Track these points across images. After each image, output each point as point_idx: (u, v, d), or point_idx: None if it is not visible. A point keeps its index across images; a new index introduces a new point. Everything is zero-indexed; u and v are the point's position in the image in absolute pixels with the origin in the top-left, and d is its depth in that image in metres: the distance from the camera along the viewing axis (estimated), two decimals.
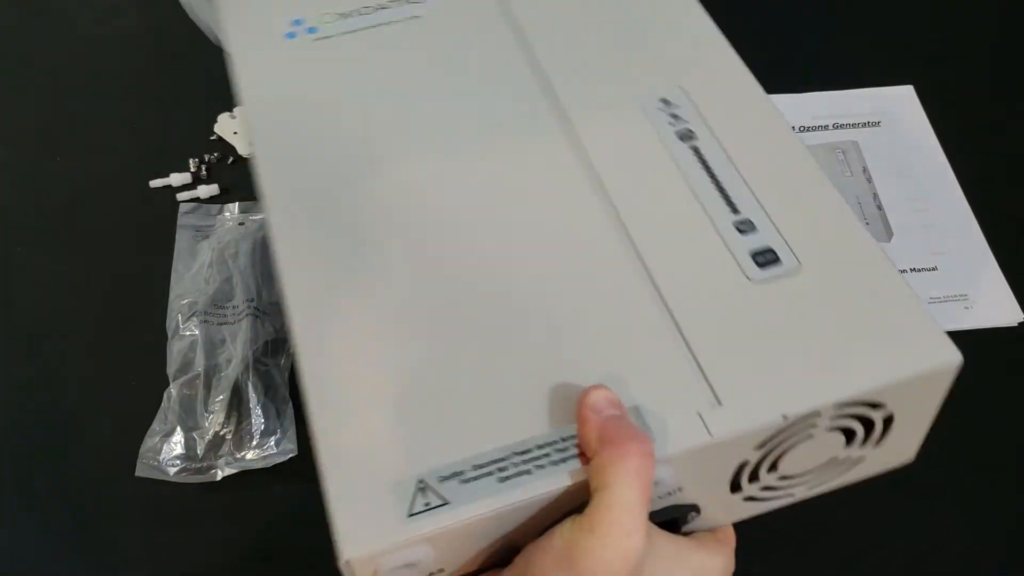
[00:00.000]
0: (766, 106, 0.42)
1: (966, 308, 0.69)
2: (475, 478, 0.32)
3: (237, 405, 0.61)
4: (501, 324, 0.37)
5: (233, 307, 0.65)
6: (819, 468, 0.38)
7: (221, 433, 0.60)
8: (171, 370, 0.63)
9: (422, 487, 0.32)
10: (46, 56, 0.87)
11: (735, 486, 0.37)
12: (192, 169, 0.76)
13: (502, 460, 0.33)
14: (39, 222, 0.75)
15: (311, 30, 0.47)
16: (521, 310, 0.37)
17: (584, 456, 0.33)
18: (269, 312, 0.65)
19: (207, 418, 0.60)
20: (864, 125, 0.81)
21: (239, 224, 0.71)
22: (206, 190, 0.75)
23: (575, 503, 0.32)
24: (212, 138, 0.79)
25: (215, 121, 0.80)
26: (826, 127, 0.81)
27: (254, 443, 0.60)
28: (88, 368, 0.66)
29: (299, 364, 0.37)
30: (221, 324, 0.65)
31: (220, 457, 0.60)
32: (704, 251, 0.38)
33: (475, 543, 0.33)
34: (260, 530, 0.59)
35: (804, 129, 0.81)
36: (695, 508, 0.37)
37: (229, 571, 0.57)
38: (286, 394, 0.63)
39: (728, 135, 0.41)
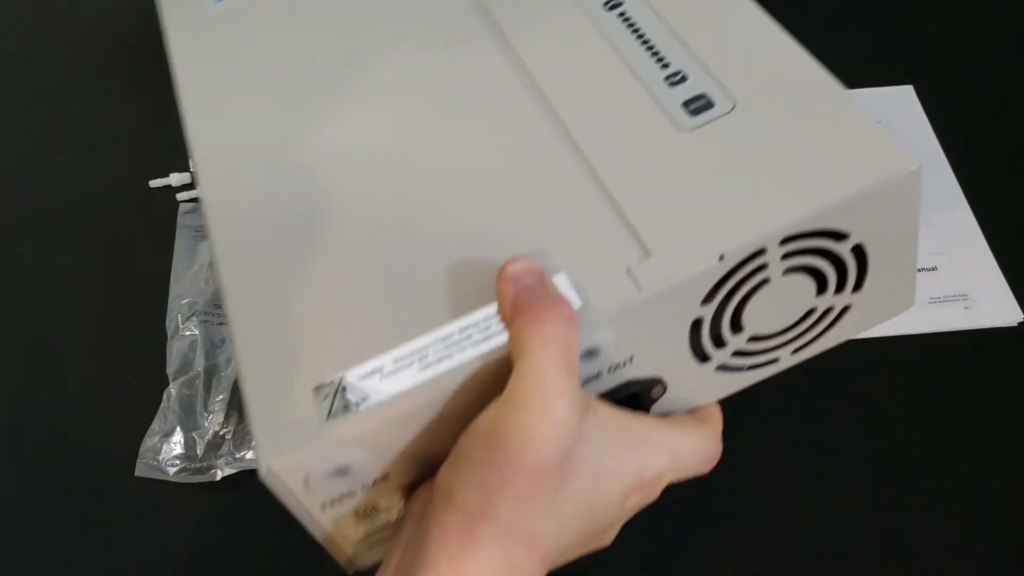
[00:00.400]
0: None
1: (966, 308, 0.69)
2: (395, 371, 0.31)
3: (237, 405, 0.61)
4: (419, 210, 0.35)
5: None
6: (798, 325, 0.35)
7: (221, 433, 0.60)
8: (171, 370, 0.63)
9: (342, 388, 0.31)
10: (46, 56, 0.87)
11: (701, 355, 0.34)
12: (192, 169, 0.76)
13: (423, 349, 0.31)
14: (39, 222, 0.75)
15: None
16: (438, 193, 0.36)
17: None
18: None
19: (207, 418, 0.60)
20: None
21: None
22: None
23: (504, 385, 0.30)
24: None
25: None
26: None
27: (254, 443, 0.60)
28: (88, 368, 0.66)
29: (218, 274, 0.36)
30: (221, 324, 0.65)
31: (220, 457, 0.60)
32: (630, 109, 0.36)
33: (407, 440, 0.31)
34: (260, 530, 0.59)
35: None
36: (658, 382, 0.34)
37: (229, 571, 0.57)
38: None
39: None
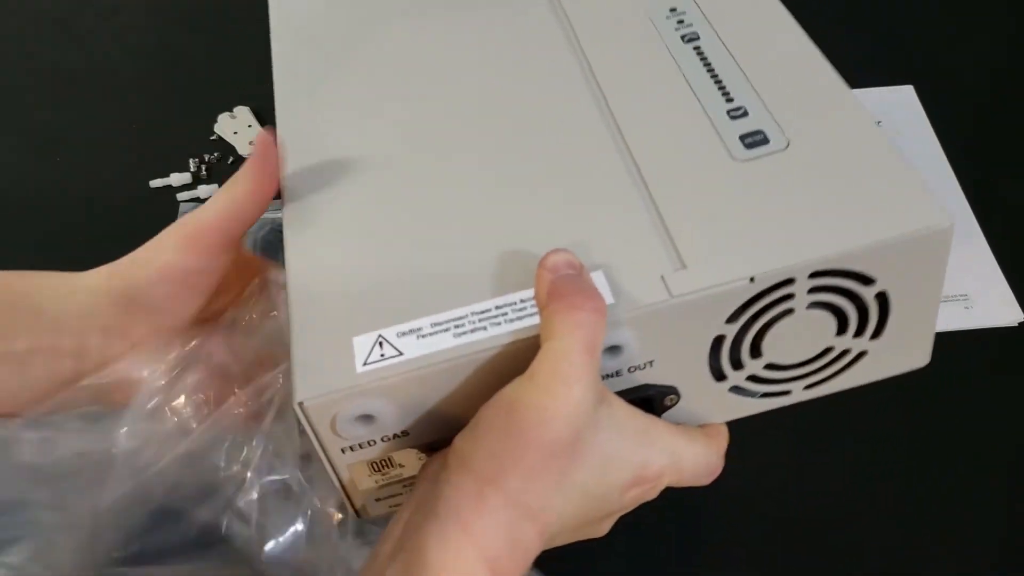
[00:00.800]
0: (771, 4, 0.43)
1: (966, 308, 0.69)
2: (431, 334, 0.33)
3: None
4: (479, 192, 0.38)
5: None
6: (814, 361, 0.36)
7: None
8: None
9: (380, 341, 0.33)
10: (46, 56, 0.87)
11: (718, 373, 0.36)
12: (192, 169, 0.76)
13: (460, 319, 0.33)
14: (39, 222, 0.75)
15: None
16: (499, 182, 0.38)
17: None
18: None
19: None
20: None
21: None
22: (206, 190, 0.75)
23: (529, 365, 0.32)
24: (212, 138, 0.79)
25: (215, 121, 0.80)
26: None
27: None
28: None
29: (284, 221, 0.38)
30: None
31: None
32: (691, 134, 0.38)
33: (431, 401, 0.33)
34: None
35: None
36: (673, 391, 0.36)
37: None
38: None
39: (732, 35, 0.42)
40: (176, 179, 0.76)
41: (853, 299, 0.34)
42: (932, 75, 0.84)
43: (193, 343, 0.38)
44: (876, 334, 0.36)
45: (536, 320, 0.32)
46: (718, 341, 0.34)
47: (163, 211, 0.73)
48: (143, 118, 0.81)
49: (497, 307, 0.33)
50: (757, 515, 0.59)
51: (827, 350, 0.36)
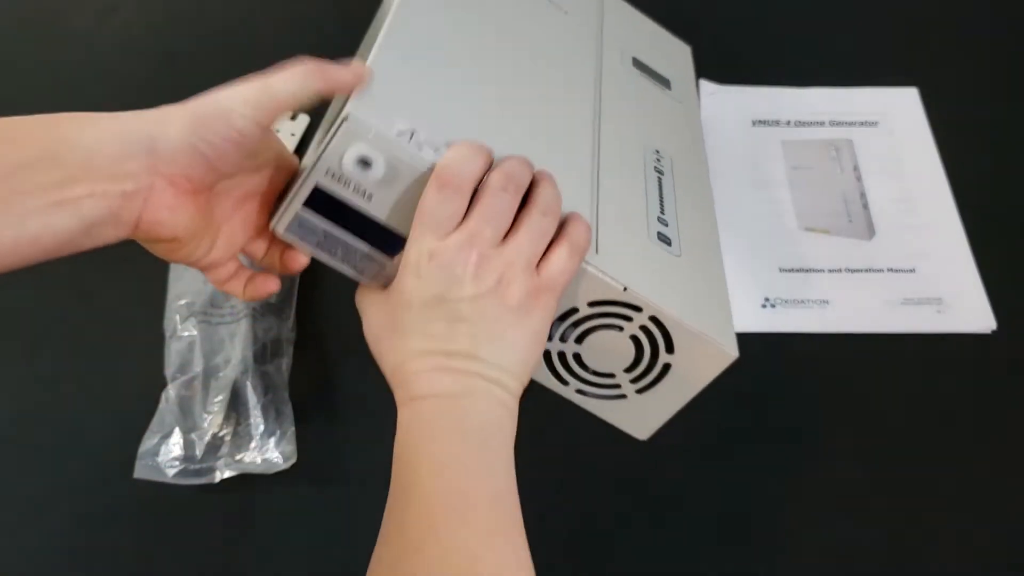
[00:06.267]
0: (704, 173, 0.65)
1: (938, 312, 0.69)
2: (437, 151, 0.46)
3: (236, 406, 0.61)
4: (510, 116, 0.54)
5: (232, 307, 0.65)
6: (597, 375, 0.54)
7: (220, 434, 0.60)
8: (169, 371, 0.64)
9: (413, 132, 0.46)
10: (46, 56, 0.88)
11: (547, 360, 0.54)
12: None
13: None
14: None
15: None
16: (523, 126, 0.54)
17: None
18: (268, 312, 0.65)
19: (206, 419, 0.60)
20: (861, 124, 0.81)
21: None
22: None
23: None
24: None
25: None
26: (822, 123, 0.81)
27: (253, 444, 0.60)
28: (86, 369, 0.66)
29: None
30: (219, 324, 0.65)
31: (219, 459, 0.60)
32: (637, 210, 0.56)
33: (401, 188, 0.46)
34: (260, 532, 0.59)
35: (800, 124, 0.81)
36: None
37: (229, 573, 0.58)
38: (285, 395, 0.63)
39: (679, 179, 0.62)
40: None
41: (654, 355, 0.52)
42: (938, 79, 0.84)
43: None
44: (644, 389, 0.54)
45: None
46: (573, 310, 0.51)
47: None
48: None
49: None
50: (727, 515, 0.60)
51: (611, 375, 0.54)
